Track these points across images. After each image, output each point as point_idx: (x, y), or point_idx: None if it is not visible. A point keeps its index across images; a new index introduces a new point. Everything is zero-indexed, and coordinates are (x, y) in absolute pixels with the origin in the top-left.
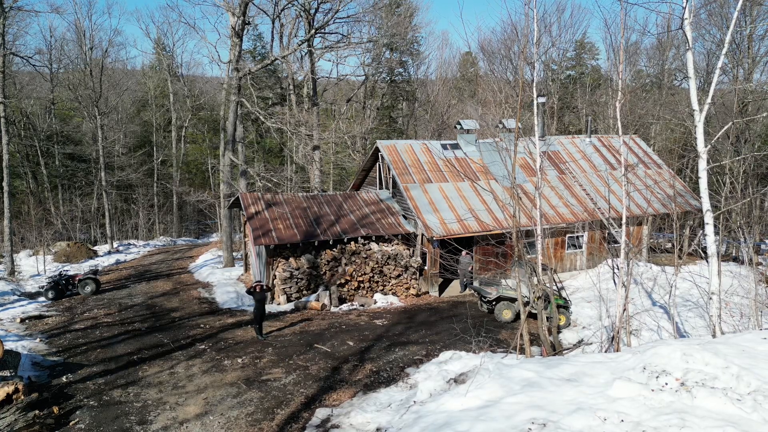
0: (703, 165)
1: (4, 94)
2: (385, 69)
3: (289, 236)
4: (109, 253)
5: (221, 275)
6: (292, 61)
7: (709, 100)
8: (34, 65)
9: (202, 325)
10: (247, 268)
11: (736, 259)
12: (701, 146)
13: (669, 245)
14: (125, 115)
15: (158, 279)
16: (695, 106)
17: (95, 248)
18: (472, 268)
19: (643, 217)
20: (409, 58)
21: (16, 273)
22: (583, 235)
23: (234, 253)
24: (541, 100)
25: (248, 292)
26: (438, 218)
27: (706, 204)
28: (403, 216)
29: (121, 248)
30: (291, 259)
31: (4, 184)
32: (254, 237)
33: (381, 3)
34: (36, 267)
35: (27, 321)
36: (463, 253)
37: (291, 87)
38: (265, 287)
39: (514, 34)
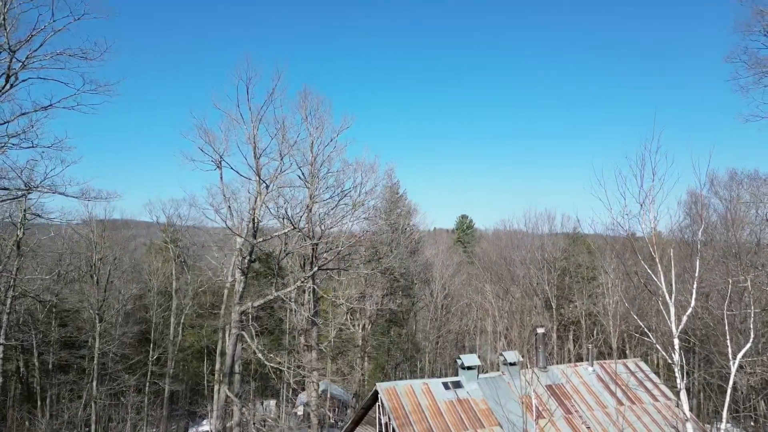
0: None
1: (6, 335)
2: (386, 281)
3: None
4: None
5: None
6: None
7: None
8: (40, 301)
9: None
10: None
11: None
12: None
13: None
14: (123, 314)
15: None
16: None
17: None
18: None
19: None
20: (408, 255)
21: None
22: None
23: None
24: (540, 330)
25: None
26: None
27: None
28: None
29: None
30: None
31: None
32: None
33: (379, 237)
34: None
35: None
36: None
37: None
38: None
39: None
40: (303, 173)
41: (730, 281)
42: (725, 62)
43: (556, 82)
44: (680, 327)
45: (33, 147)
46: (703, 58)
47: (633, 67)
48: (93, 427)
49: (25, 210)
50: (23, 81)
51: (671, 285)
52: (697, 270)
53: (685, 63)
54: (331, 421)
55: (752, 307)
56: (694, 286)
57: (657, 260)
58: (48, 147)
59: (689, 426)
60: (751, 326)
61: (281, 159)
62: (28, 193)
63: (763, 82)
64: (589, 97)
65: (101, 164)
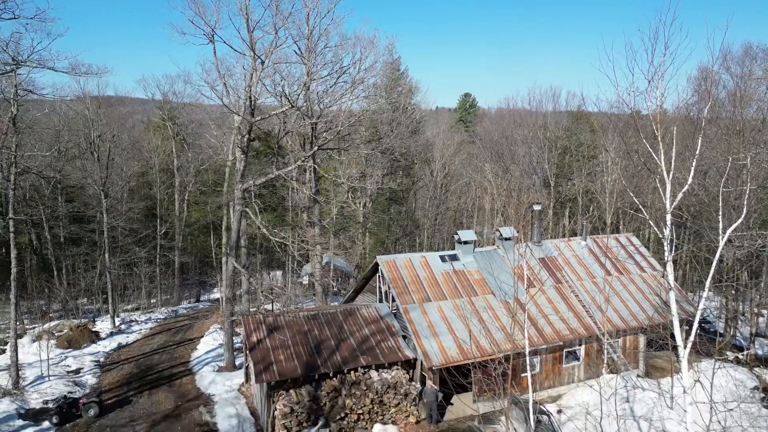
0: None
1: (14, 209)
2: (387, 157)
3: (290, 369)
4: (111, 334)
5: (222, 385)
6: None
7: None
8: (44, 177)
9: None
10: (247, 379)
11: (735, 346)
12: None
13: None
14: (128, 190)
15: (159, 387)
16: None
17: (97, 329)
18: (437, 398)
19: (638, 327)
20: (409, 135)
21: (20, 381)
22: (580, 348)
23: (234, 338)
24: (537, 207)
25: None
26: (437, 344)
27: None
28: (403, 336)
29: (123, 326)
30: (292, 392)
31: (12, 296)
32: (256, 373)
33: (379, 116)
34: (39, 357)
35: None
36: (429, 384)
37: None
38: None
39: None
40: (299, 48)
41: (730, 158)
42: None
43: None
44: (675, 203)
45: (15, 18)
46: None
47: None
48: (110, 294)
49: (16, 85)
50: None
51: (670, 163)
52: (699, 147)
53: None
54: (335, 289)
55: (749, 184)
56: (694, 163)
57: (659, 138)
58: (31, 18)
59: (672, 294)
60: (745, 202)
61: (276, 32)
62: (17, 67)
63: None
64: None
65: (90, 38)
